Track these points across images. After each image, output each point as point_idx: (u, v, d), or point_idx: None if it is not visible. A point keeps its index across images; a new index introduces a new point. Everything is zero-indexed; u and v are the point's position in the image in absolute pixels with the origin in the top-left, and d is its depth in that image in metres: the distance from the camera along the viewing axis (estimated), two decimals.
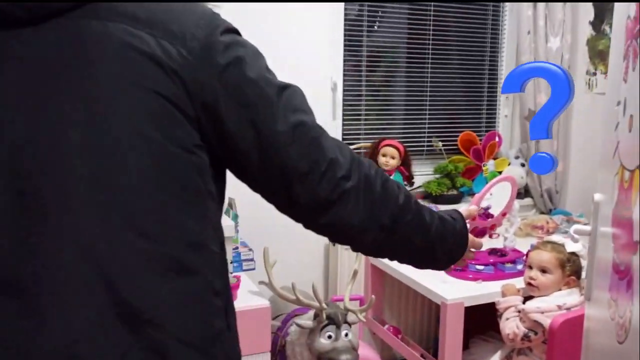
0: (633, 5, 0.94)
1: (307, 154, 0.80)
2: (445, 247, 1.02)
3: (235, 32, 0.80)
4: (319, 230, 0.89)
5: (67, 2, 0.70)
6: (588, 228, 1.21)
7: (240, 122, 0.76)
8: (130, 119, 0.71)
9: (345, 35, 2.58)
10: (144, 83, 0.71)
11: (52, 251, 0.69)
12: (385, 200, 0.89)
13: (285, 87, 0.82)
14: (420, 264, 1.07)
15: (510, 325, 1.96)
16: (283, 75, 2.82)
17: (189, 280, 0.76)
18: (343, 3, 2.53)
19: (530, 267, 2.05)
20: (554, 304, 1.94)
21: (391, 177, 0.98)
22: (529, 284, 2.04)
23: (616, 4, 1.06)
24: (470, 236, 1.11)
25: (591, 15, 2.83)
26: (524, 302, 2.00)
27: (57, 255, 0.70)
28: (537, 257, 2.04)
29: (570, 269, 2.01)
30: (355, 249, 0.97)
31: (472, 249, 1.13)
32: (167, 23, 0.74)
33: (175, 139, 0.73)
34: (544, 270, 2.01)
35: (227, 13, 0.98)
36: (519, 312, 1.97)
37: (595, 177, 3.05)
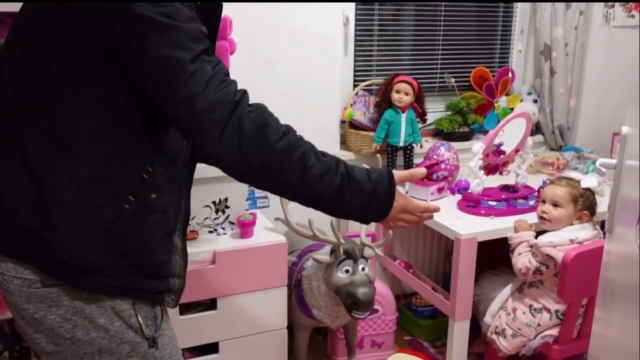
0: None
1: (170, 83, 0.96)
2: (346, 203, 1.10)
3: None
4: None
5: None
6: (614, 161, 1.21)
7: (124, 48, 0.96)
8: (40, 22, 0.99)
9: None
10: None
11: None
12: (256, 142, 1.01)
13: (171, 27, 0.96)
14: (321, 210, 1.15)
15: (523, 260, 2.00)
16: (294, 11, 2.73)
17: (74, 158, 0.99)
18: None
19: (544, 202, 2.07)
20: (567, 238, 1.97)
21: (282, 125, 1.07)
22: (541, 217, 2.06)
23: None
24: (412, 200, 1.19)
25: None
26: (536, 237, 2.03)
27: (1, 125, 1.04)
28: (550, 191, 2.06)
29: (583, 204, 2.03)
30: (236, 179, 1.09)
31: (418, 213, 1.20)
32: None
33: (68, 43, 0.97)
34: (556, 205, 2.03)
35: None
36: (532, 246, 2.00)
37: (610, 113, 3.03)
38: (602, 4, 2.79)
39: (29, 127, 1.01)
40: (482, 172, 2.24)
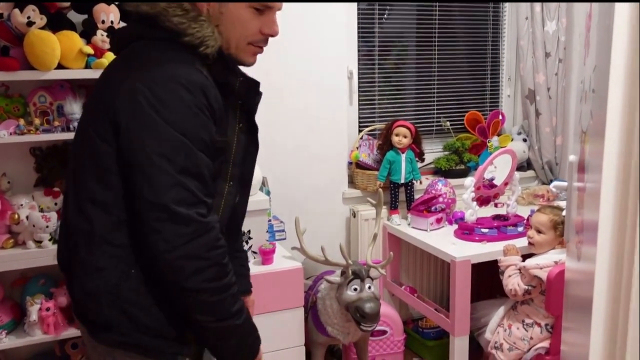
0: (588, 4, 1.21)
1: (139, 182, 1.08)
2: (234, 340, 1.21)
3: (177, 82, 1.08)
4: None
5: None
6: (565, 183, 1.47)
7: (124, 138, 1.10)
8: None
9: (358, 25, 2.84)
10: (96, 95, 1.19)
11: None
12: (193, 268, 1.09)
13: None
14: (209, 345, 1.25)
15: (513, 282, 2.24)
16: (306, 68, 3.13)
17: (87, 222, 1.13)
18: None
19: (531, 228, 2.33)
20: (551, 260, 2.21)
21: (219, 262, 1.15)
22: (529, 242, 2.32)
23: (576, 4, 1.32)
24: None
25: None
26: (523, 260, 2.27)
27: None
28: (535, 218, 2.32)
29: (562, 230, 2.27)
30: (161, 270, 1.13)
31: None
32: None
33: (100, 131, 1.12)
34: (539, 231, 2.28)
35: None
36: (520, 269, 2.24)
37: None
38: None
39: (69, 191, 1.20)
40: (475, 203, 2.51)
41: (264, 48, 1.26)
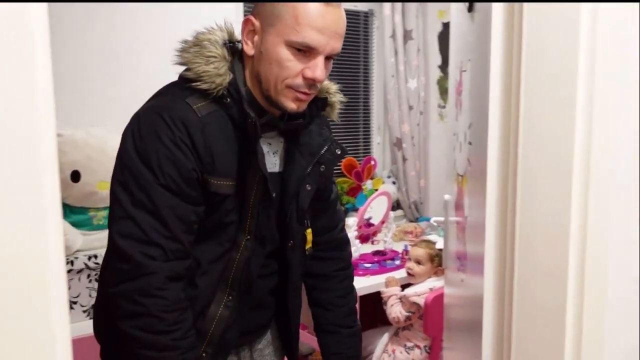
0: (459, 72, 1.50)
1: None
2: None
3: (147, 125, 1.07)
4: None
5: None
6: (442, 218, 1.75)
7: None
8: None
9: None
10: None
11: None
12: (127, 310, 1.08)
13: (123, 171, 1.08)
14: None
15: (395, 310, 2.49)
16: None
17: None
18: None
19: (410, 260, 2.61)
20: (427, 287, 2.50)
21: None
22: (408, 273, 2.59)
23: (450, 74, 1.62)
24: None
25: (439, 61, 3.53)
26: (402, 290, 2.54)
27: None
28: (414, 252, 2.60)
29: (438, 261, 2.58)
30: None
31: None
32: None
33: None
34: (418, 262, 2.57)
35: None
36: (400, 298, 2.50)
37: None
38: (437, 105, 3.58)
39: None
40: (358, 241, 2.76)
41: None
